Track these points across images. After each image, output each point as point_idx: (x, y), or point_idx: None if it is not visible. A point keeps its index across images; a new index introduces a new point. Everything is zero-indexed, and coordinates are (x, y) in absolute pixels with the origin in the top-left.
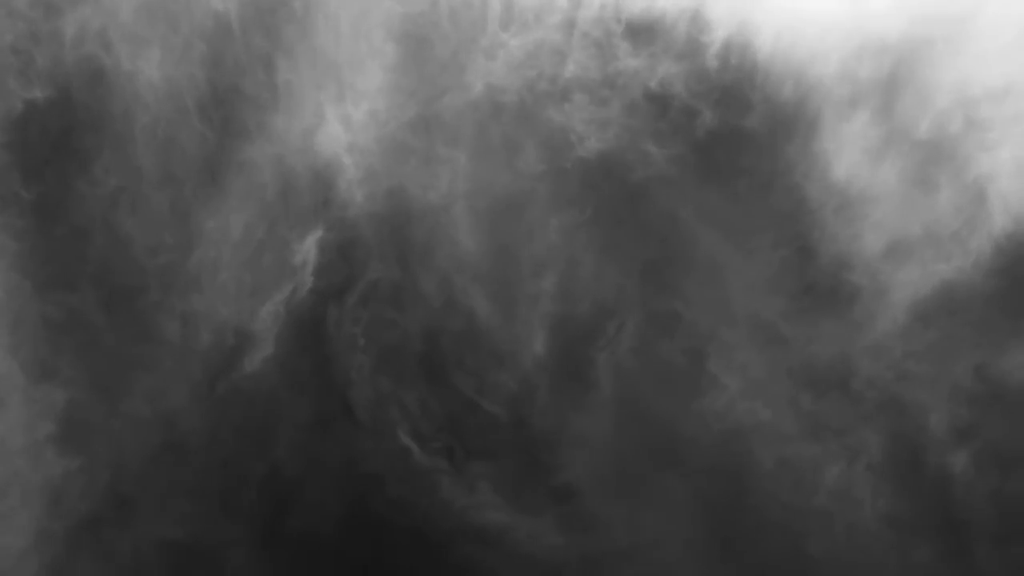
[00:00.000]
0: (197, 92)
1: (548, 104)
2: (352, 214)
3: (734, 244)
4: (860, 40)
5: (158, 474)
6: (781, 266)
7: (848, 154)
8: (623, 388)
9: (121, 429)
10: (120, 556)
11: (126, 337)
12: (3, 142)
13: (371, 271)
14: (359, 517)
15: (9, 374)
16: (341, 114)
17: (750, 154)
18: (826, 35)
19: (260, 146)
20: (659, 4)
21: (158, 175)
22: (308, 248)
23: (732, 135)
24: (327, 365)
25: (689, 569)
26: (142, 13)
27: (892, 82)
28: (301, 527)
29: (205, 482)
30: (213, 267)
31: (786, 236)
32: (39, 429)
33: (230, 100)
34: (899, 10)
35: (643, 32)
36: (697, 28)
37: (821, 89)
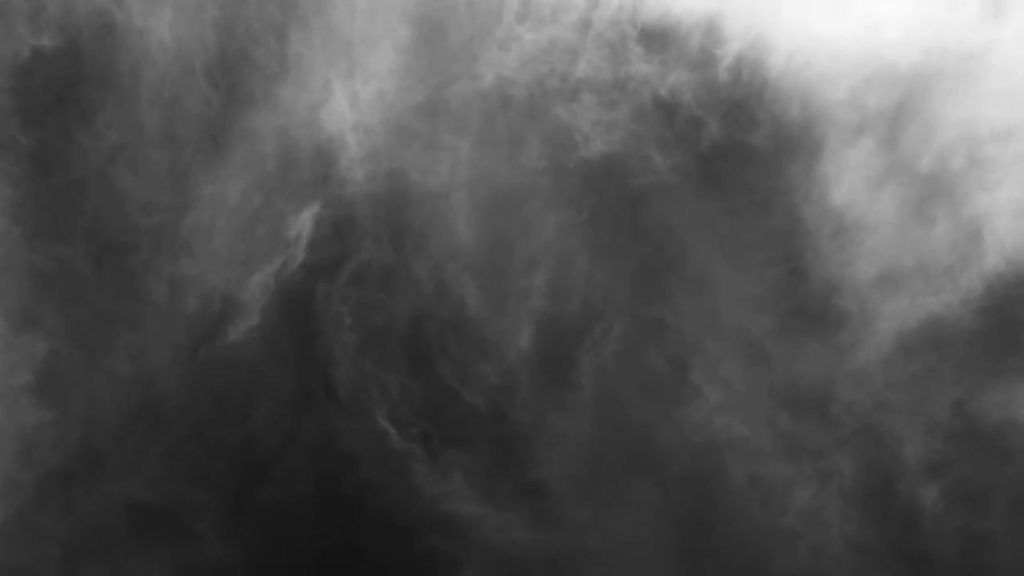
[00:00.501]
0: (206, 55)
1: (556, 101)
2: (350, 192)
3: (727, 258)
4: (871, 68)
5: (132, 434)
6: (772, 285)
7: (849, 180)
8: (604, 391)
9: (99, 386)
10: (87, 512)
11: (112, 294)
12: (6, 87)
13: (364, 251)
14: (330, 496)
15: None
16: (349, 91)
17: (752, 170)
18: (838, 60)
19: (264, 116)
20: (675, 12)
21: (159, 134)
22: (303, 222)
23: (736, 150)
24: (311, 341)
25: None
26: None
27: (899, 113)
28: (271, 501)
29: (178, 447)
30: (206, 232)
31: (779, 255)
32: (16, 378)
33: (239, 67)
34: (913, 41)
35: (657, 38)
36: (711, 40)
37: (828, 113)
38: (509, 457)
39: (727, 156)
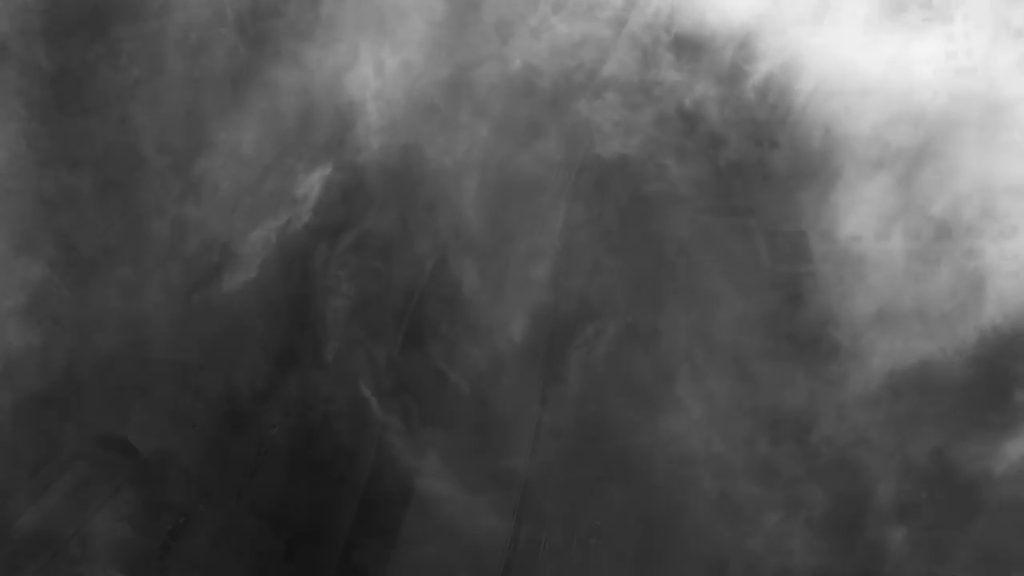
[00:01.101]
0: (238, 4)
1: (580, 96)
2: (364, 159)
3: (729, 275)
4: (898, 107)
5: (116, 370)
6: (769, 307)
7: (860, 214)
8: (589, 389)
9: (89, 318)
10: (61, 440)
11: (114, 228)
12: (36, 9)
13: (369, 219)
14: (304, 455)
15: None
16: (375, 59)
17: (765, 192)
18: (866, 94)
19: (289, 72)
20: (711, 23)
21: (181, 76)
22: (313, 183)
23: (752, 169)
24: (305, 301)
25: None
26: None
27: (919, 154)
28: (245, 453)
29: (160, 388)
30: (215, 180)
31: (781, 279)
32: (8, 298)
33: (270, 20)
34: (942, 85)
35: (690, 48)
36: (743, 56)
37: (849, 145)
38: (486, 443)
39: (743, 174)
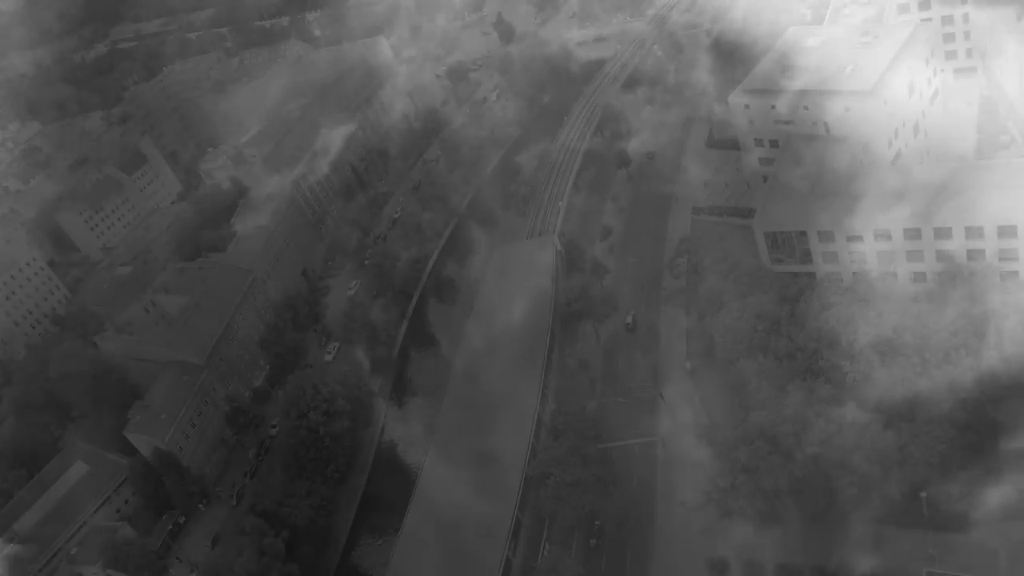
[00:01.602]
0: None
1: (611, 88)
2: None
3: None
4: (926, 138)
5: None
6: (772, 323)
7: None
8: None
9: None
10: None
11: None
12: None
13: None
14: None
15: None
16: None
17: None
18: (893, 118)
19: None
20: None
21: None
22: (335, 139)
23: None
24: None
25: None
26: None
27: (942, 189)
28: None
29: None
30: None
31: (789, 296)
32: None
33: None
34: (971, 121)
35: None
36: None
37: (874, 169)
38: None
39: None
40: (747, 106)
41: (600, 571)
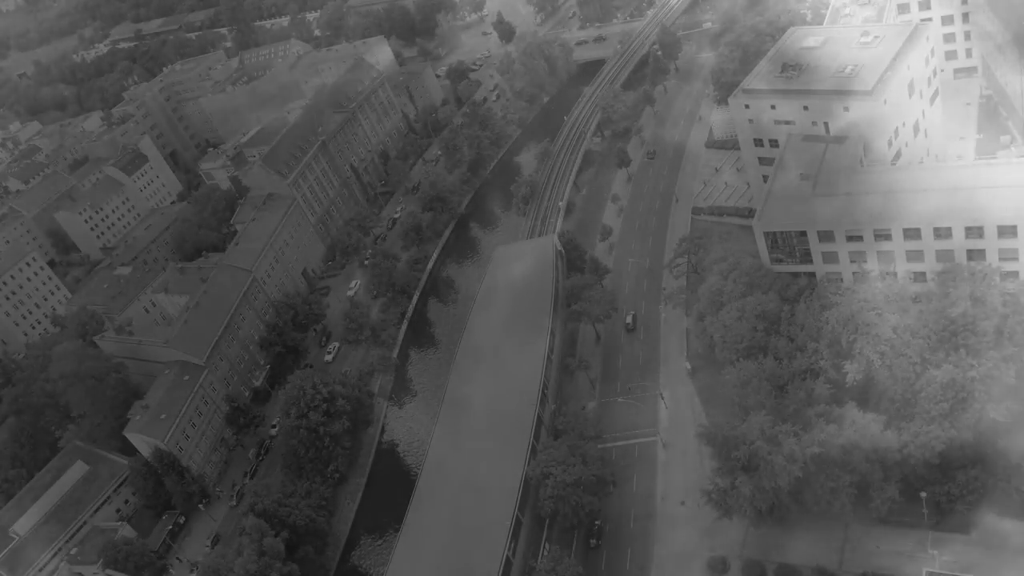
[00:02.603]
0: None
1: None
2: None
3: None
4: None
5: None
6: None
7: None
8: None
9: None
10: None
11: None
12: None
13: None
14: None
15: None
16: None
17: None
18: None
19: None
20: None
21: None
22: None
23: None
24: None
25: None
26: None
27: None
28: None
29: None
30: None
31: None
32: None
33: None
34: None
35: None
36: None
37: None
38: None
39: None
40: (747, 106)
41: (600, 571)
